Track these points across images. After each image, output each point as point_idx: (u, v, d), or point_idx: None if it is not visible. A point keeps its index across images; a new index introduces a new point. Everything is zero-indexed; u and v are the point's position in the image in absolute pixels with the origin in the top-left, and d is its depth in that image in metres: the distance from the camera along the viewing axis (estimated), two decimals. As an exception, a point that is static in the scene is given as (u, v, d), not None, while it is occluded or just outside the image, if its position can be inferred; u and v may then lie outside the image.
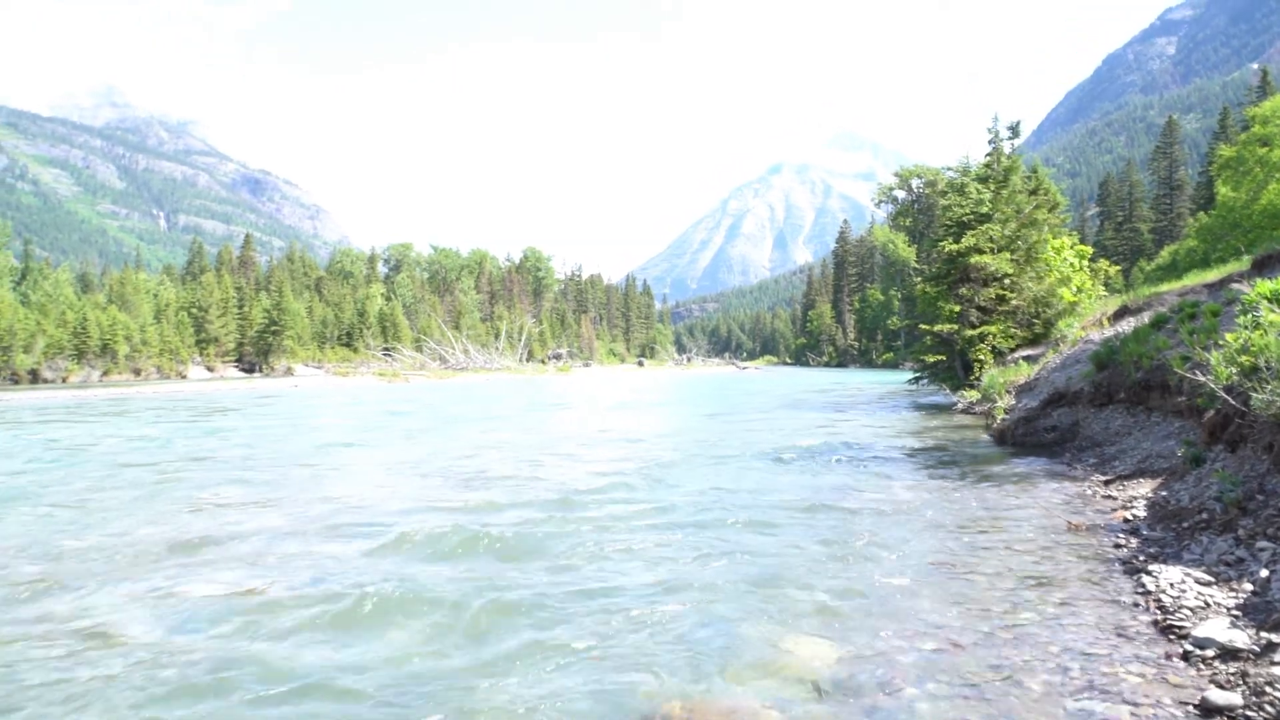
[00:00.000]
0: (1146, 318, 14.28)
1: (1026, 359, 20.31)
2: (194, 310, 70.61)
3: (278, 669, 4.36)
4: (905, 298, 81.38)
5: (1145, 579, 5.28)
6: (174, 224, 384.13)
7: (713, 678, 4.21)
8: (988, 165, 25.88)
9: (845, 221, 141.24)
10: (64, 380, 52.54)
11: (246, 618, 5.12)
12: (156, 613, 5.26)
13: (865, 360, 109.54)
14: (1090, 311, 22.17)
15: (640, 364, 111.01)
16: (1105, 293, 31.93)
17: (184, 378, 61.07)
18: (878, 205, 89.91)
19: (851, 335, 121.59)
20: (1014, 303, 23.12)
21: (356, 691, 4.11)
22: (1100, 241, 74.67)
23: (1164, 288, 18.69)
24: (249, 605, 5.36)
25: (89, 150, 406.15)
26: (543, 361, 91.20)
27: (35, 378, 51.55)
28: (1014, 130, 26.27)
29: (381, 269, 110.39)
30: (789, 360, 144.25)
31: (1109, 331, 15.83)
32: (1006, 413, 15.01)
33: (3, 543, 7.26)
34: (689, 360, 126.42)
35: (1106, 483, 8.74)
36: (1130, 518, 7.04)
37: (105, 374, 56.95)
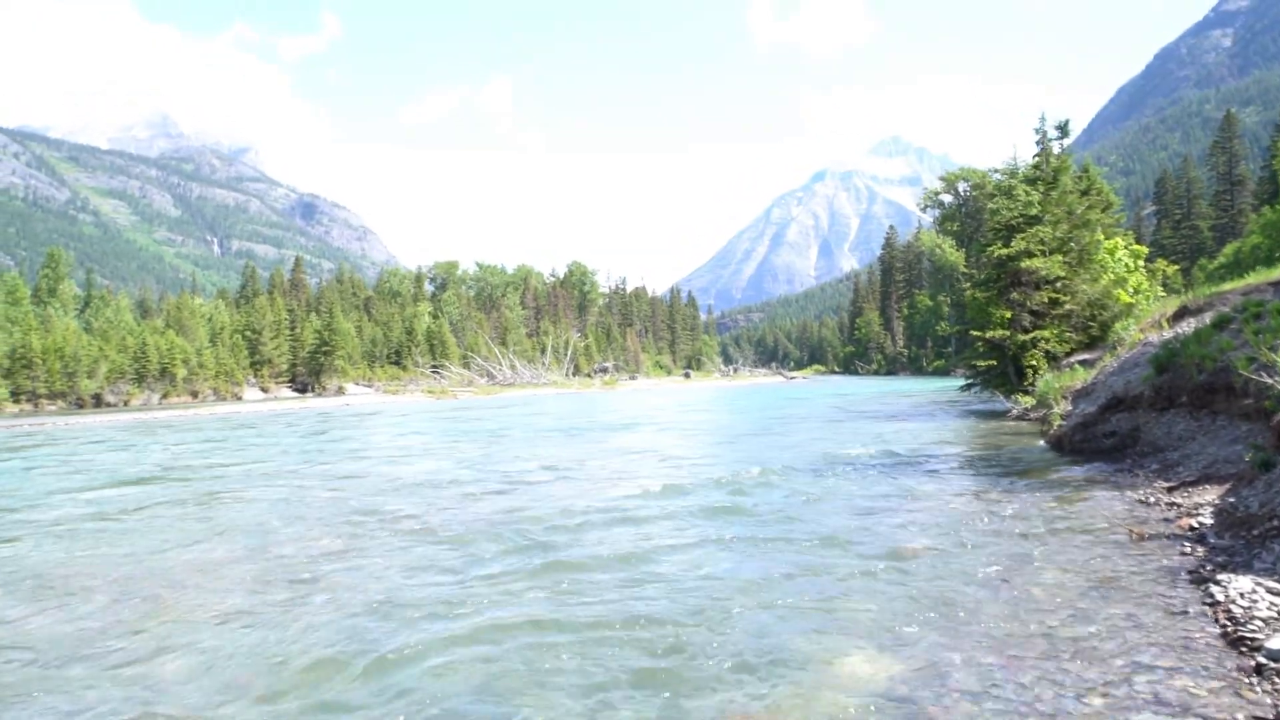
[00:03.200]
0: (1208, 318, 13.83)
1: (1082, 363, 19.79)
2: (248, 333, 72.19)
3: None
4: (955, 303, 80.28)
5: (1213, 589, 5.09)
6: (227, 249, 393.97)
7: (769, 690, 4.16)
8: (1036, 166, 25.35)
9: (891, 227, 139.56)
10: (125, 403, 54.08)
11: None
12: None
13: (915, 367, 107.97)
14: (1148, 313, 21.54)
15: (686, 376, 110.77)
16: (1163, 293, 31.03)
17: (240, 399, 62.46)
18: (924, 210, 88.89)
19: (900, 342, 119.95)
20: (1067, 306, 22.58)
21: (408, 690, 4.13)
22: (1157, 240, 72.70)
23: (1226, 286, 18.09)
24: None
25: (145, 180, 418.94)
26: (589, 375, 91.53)
27: (99, 401, 53.15)
28: (1063, 129, 25.71)
29: (428, 287, 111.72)
30: (837, 369, 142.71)
31: (1168, 333, 15.36)
32: (1063, 419, 14.63)
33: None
34: (735, 371, 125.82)
35: (1170, 489, 8.47)
36: (1196, 525, 6.80)
37: (164, 396, 58.50)
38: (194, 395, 61.31)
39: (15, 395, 48.97)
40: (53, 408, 49.59)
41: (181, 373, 60.18)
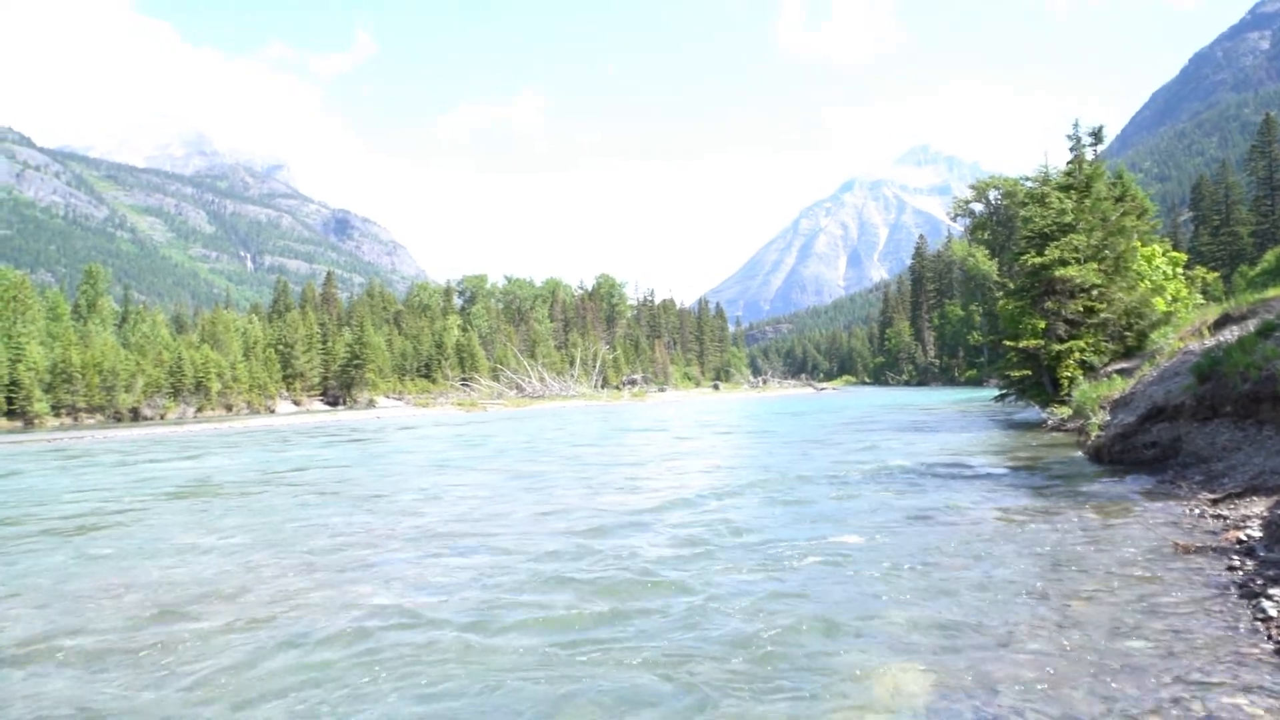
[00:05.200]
0: (1251, 325, 13.55)
1: (1120, 373, 19.44)
2: (280, 347, 73.09)
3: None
4: (987, 312, 79.35)
5: (1265, 603, 4.93)
6: (260, 264, 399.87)
7: (803, 704, 4.08)
8: (1069, 174, 24.99)
9: (921, 236, 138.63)
10: (162, 417, 54.93)
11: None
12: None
13: (947, 378, 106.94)
14: (1187, 321, 21.13)
15: (715, 387, 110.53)
16: (1203, 300, 30.48)
17: (273, 412, 63.21)
18: (954, 219, 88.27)
19: (931, 352, 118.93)
20: (1103, 315, 22.18)
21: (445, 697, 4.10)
22: (1195, 247, 71.46)
23: (1270, 293, 17.70)
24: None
25: (181, 198, 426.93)
26: (617, 388, 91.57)
27: (136, 415, 54.03)
28: (1096, 136, 25.37)
29: (457, 301, 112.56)
30: (867, 380, 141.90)
31: (1210, 341, 15.05)
32: (1101, 429, 14.36)
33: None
34: (764, 383, 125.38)
35: (1215, 501, 8.26)
36: (1244, 538, 6.61)
37: (199, 410, 59.37)
38: (228, 408, 62.16)
39: (56, 409, 49.93)
40: (91, 421, 50.48)
41: (216, 386, 61.05)
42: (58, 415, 49.78)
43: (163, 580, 7.15)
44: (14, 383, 48.00)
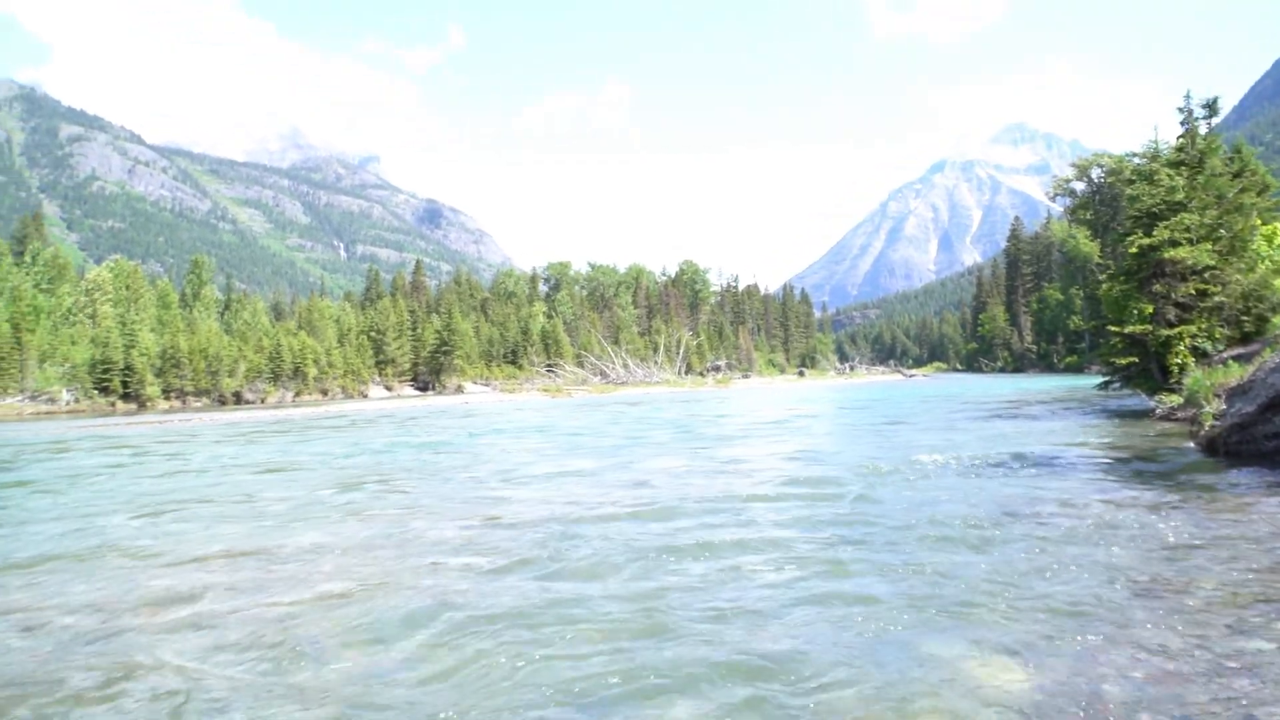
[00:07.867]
0: (1384, 307, 12.55)
1: (1236, 359, 18.33)
2: (373, 333, 75.29)
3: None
4: (1088, 296, 76.14)
5: None
6: (352, 254, 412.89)
7: (894, 699, 3.94)
8: (1180, 149, 23.62)
9: (1017, 218, 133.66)
10: (263, 401, 57.33)
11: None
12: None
13: (1045, 364, 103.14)
14: (1315, 304, 19.80)
15: (801, 374, 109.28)
16: (1332, 282, 28.51)
17: (365, 397, 65.21)
18: (1053, 199, 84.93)
19: (1028, 338, 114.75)
20: (1218, 298, 20.92)
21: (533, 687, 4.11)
22: (1320, 226, 66.88)
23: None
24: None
25: (278, 190, 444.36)
26: (701, 374, 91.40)
27: (238, 399, 56.53)
28: (1210, 108, 23.89)
29: (542, 288, 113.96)
30: (959, 367, 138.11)
31: (1337, 325, 14.04)
32: (1215, 419, 13.56)
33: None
34: (851, 369, 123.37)
35: (1346, 494, 7.68)
36: (1381, 534, 6.12)
37: (297, 394, 61.71)
38: (324, 393, 64.42)
39: (165, 393, 52.66)
40: (198, 404, 53.09)
41: (313, 372, 63.35)
42: (167, 398, 52.51)
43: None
44: (128, 367, 50.84)
